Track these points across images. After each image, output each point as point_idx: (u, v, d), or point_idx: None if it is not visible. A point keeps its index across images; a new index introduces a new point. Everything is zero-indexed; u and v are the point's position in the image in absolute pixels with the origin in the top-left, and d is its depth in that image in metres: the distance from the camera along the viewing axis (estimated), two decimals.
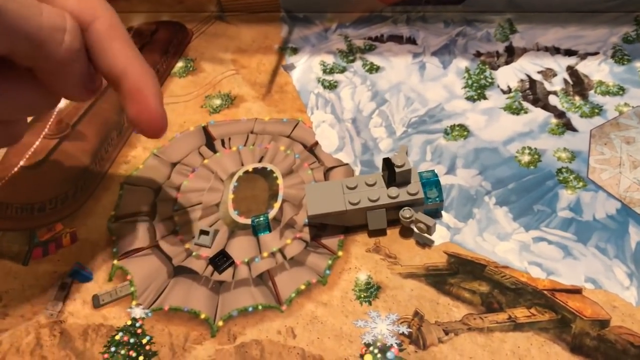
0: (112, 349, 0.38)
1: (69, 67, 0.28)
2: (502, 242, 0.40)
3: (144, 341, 0.38)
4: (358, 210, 0.40)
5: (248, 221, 0.43)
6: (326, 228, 0.42)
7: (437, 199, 0.41)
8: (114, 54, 0.29)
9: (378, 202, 0.40)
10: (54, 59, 0.27)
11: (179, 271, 0.41)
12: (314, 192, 0.41)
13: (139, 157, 0.48)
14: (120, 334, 0.38)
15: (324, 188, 0.41)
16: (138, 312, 0.40)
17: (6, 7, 0.23)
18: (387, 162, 0.40)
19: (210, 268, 0.41)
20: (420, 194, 0.40)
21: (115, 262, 0.42)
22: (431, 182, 0.41)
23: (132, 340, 0.38)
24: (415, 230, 0.40)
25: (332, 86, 0.51)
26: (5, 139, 0.30)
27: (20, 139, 0.32)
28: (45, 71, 0.28)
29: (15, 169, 0.48)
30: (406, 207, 0.40)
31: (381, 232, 0.41)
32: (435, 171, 0.42)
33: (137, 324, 0.39)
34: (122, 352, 0.38)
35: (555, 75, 0.49)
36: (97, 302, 0.40)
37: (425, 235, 0.40)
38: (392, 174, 0.40)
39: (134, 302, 0.40)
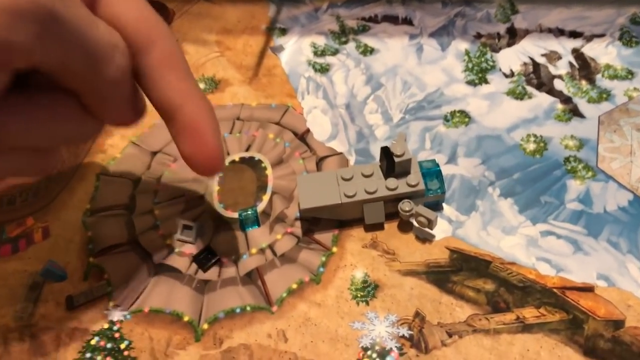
0: (88, 355, 0.35)
1: (117, 88, 0.25)
2: (508, 236, 0.38)
3: (123, 346, 0.35)
4: (354, 203, 0.37)
5: (235, 215, 0.40)
6: (319, 222, 0.39)
7: (438, 190, 0.38)
8: (170, 87, 0.27)
9: (375, 194, 0.37)
10: (103, 78, 0.24)
11: (160, 269, 0.38)
12: (307, 183, 0.38)
13: (117, 145, 0.45)
14: (97, 338, 0.36)
15: (317, 179, 0.38)
16: (116, 314, 0.37)
17: (64, 14, 0.21)
18: (386, 151, 0.37)
19: (194, 266, 0.38)
20: (420, 185, 0.37)
21: (91, 259, 0.39)
22: (432, 172, 0.38)
23: (109, 345, 0.35)
24: (415, 224, 0.38)
25: (323, 69, 0.48)
26: (37, 168, 0.27)
27: (55, 170, 0.28)
28: (90, 93, 0.25)
29: None
30: (406, 200, 0.37)
31: (379, 227, 0.39)
32: (437, 160, 0.39)
33: (115, 328, 0.36)
34: (99, 358, 0.35)
35: (560, 58, 0.46)
36: (71, 304, 0.37)
37: (426, 229, 0.38)
38: (391, 164, 0.37)
39: (111, 304, 0.37)
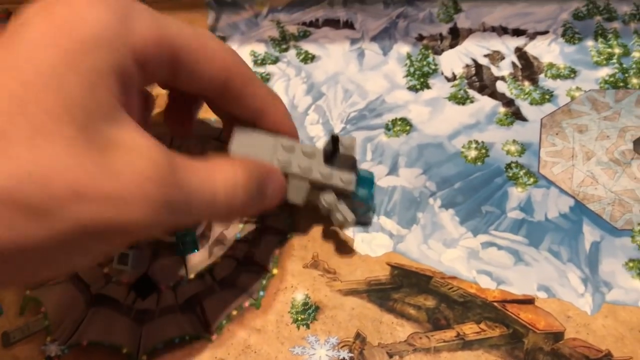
0: None
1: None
2: (449, 249, 0.37)
3: None
4: (283, 171, 0.35)
5: (172, 239, 0.39)
6: (260, 243, 0.38)
7: (365, 199, 0.37)
8: (254, 100, 0.33)
9: (306, 173, 0.35)
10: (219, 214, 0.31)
11: (98, 300, 0.37)
12: (245, 134, 0.35)
13: None
14: None
15: (256, 136, 0.35)
16: (53, 349, 0.36)
17: (190, 204, 0.26)
18: (334, 139, 0.35)
19: (132, 295, 0.37)
20: (352, 185, 0.36)
21: (27, 292, 0.38)
22: (365, 179, 0.37)
23: None
24: (333, 220, 0.36)
25: (264, 79, 0.46)
26: None
27: None
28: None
29: None
30: (331, 191, 0.35)
31: (296, 207, 0.36)
32: (374, 174, 0.38)
33: None
34: None
35: (503, 58, 0.46)
36: (7, 340, 0.36)
37: (342, 229, 0.37)
38: (335, 152, 0.35)
39: (48, 338, 0.36)
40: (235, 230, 0.39)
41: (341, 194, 0.36)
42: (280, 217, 0.39)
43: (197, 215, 0.27)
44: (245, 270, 0.38)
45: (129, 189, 0.22)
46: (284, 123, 0.35)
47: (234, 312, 0.36)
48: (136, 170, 0.23)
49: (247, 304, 0.36)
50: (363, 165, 0.41)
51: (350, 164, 0.36)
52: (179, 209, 0.25)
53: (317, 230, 0.39)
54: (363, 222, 0.39)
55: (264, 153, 0.35)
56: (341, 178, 0.35)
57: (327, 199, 0.35)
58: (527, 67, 0.45)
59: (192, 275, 0.38)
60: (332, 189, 0.36)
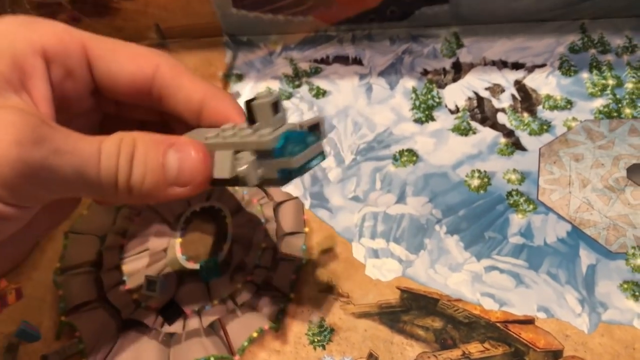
0: None
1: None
2: (454, 273, 0.40)
3: None
4: (208, 146, 0.29)
5: (197, 266, 0.42)
6: (277, 269, 0.41)
7: (288, 154, 0.27)
8: (188, 87, 0.31)
9: (225, 139, 0.29)
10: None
11: (129, 324, 0.40)
12: (193, 133, 0.32)
13: (83, 202, 0.47)
14: None
15: (205, 129, 0.31)
16: None
17: (55, 165, 0.24)
18: (248, 102, 0.29)
19: (160, 319, 0.40)
20: (267, 137, 0.27)
21: (62, 318, 0.41)
22: (294, 136, 0.28)
23: None
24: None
25: None
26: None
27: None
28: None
29: None
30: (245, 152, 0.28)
31: (230, 183, 0.29)
32: (313, 134, 0.29)
33: None
34: None
35: (503, 91, 0.49)
36: None
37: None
38: (249, 109, 0.29)
39: None
40: (255, 256, 0.42)
41: (263, 154, 0.28)
42: (296, 245, 0.42)
43: (70, 182, 0.25)
44: (265, 295, 0.40)
45: None
46: (233, 113, 0.31)
47: (255, 335, 0.39)
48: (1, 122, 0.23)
49: (267, 326, 0.39)
50: (371, 195, 0.44)
51: (268, 115, 0.28)
52: (45, 167, 0.24)
53: (330, 257, 0.42)
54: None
55: (201, 135, 0.30)
56: (259, 135, 0.28)
57: (239, 156, 0.28)
58: (526, 99, 0.48)
59: (215, 301, 0.40)
60: (251, 150, 0.28)
